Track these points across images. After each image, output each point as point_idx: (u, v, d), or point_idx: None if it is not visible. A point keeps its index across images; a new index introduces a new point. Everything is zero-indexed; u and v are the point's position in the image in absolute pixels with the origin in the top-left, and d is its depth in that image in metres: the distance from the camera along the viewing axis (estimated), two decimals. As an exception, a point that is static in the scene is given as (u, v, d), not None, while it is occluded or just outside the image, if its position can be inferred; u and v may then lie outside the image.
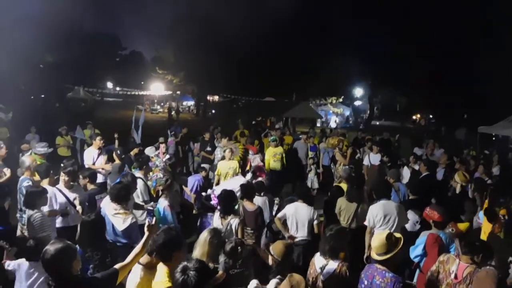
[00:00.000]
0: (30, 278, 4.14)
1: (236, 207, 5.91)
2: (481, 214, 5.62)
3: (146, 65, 56.47)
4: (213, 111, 47.77)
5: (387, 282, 3.66)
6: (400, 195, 7.37)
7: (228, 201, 5.46)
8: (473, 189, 6.84)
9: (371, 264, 3.94)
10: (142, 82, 52.76)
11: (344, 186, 7.24)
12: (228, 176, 8.20)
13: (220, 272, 3.95)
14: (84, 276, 3.76)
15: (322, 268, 4.03)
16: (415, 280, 4.92)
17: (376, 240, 3.87)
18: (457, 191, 7.23)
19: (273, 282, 3.66)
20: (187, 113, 48.75)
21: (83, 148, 11.35)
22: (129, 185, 5.43)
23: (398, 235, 3.93)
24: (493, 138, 20.74)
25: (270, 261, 3.95)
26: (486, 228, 5.30)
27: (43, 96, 32.09)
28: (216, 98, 53.04)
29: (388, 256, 3.73)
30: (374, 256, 3.83)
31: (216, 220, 5.47)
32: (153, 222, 3.66)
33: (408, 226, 5.97)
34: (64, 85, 35.64)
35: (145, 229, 3.61)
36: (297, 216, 5.78)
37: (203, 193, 7.55)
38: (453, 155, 11.76)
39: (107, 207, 5.08)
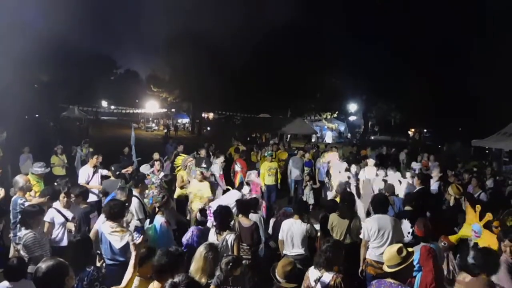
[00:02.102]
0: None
1: (232, 223, 5.91)
2: (476, 226, 5.56)
3: (141, 83, 56.82)
4: (208, 128, 47.90)
5: None
6: (396, 208, 7.39)
7: (224, 217, 5.46)
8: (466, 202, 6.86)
9: (381, 280, 3.85)
10: (137, 100, 52.99)
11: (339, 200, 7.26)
12: (197, 198, 7.87)
13: (212, 286, 3.92)
14: None
15: (317, 281, 4.02)
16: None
17: (388, 253, 3.85)
18: (451, 203, 7.25)
19: None
20: (182, 131, 48.90)
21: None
22: (123, 201, 5.41)
23: (410, 249, 3.90)
24: (487, 151, 20.91)
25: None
26: (489, 241, 5.22)
27: (37, 115, 32.08)
28: (211, 115, 53.22)
29: (400, 267, 3.69)
30: (386, 269, 3.79)
31: (211, 236, 5.46)
32: (139, 240, 3.66)
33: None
34: (59, 104, 35.69)
35: (131, 248, 3.61)
36: (293, 232, 5.81)
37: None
38: (447, 168, 11.85)
39: (103, 225, 5.04)
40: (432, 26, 30.20)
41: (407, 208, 6.87)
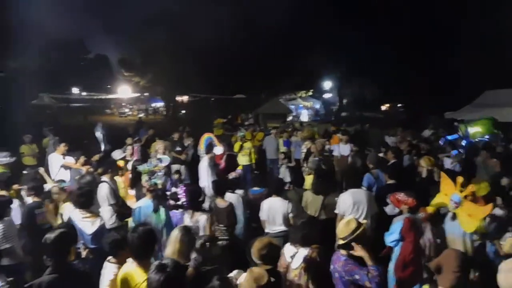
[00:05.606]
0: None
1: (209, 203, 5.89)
2: (455, 197, 5.34)
3: (112, 68, 55.43)
4: (183, 111, 47.44)
5: (341, 265, 3.75)
6: (380, 182, 7.28)
7: (192, 195, 5.43)
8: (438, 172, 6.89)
9: (338, 251, 3.96)
10: (109, 86, 51.81)
11: (311, 178, 7.26)
12: None
13: (190, 269, 3.88)
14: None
15: (293, 257, 4.02)
16: (392, 266, 4.82)
17: (338, 226, 3.92)
18: (424, 175, 7.30)
19: (234, 272, 3.77)
20: (157, 115, 48.37)
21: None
22: (90, 189, 5.28)
23: (364, 221, 3.93)
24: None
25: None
26: (471, 211, 5.13)
27: (5, 104, 31.14)
28: (185, 98, 52.60)
29: (349, 239, 3.72)
30: (339, 241, 3.86)
31: (186, 218, 5.41)
32: None
33: (388, 209, 6.01)
34: (28, 92, 34.67)
35: None
36: (273, 210, 5.84)
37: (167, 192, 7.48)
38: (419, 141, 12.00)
39: (74, 213, 4.94)
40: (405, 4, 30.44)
41: (390, 181, 6.88)
